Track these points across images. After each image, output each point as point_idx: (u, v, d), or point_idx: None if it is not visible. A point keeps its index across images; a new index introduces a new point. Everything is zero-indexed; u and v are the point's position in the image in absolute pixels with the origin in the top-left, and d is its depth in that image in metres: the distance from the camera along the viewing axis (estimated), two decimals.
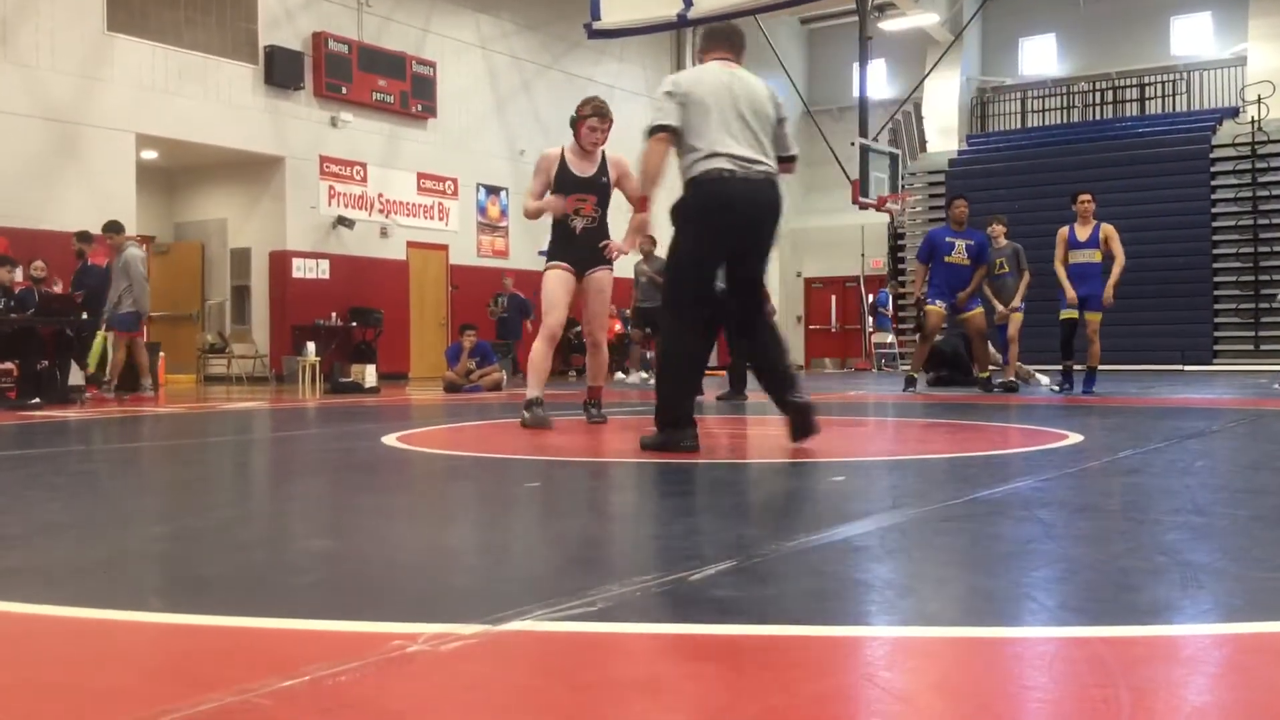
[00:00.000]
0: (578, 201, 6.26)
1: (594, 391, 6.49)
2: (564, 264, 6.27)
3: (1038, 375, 11.99)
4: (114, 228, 11.96)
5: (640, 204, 5.26)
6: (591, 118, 6.23)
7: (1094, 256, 9.83)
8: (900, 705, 1.46)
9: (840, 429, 6.38)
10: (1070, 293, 9.76)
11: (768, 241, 4.92)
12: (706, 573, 2.20)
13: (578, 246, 6.28)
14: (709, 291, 4.90)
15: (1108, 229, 9.78)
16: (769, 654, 1.72)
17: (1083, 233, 9.85)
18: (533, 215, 6.39)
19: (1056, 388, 10.23)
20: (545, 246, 21.70)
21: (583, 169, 6.28)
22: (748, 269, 4.94)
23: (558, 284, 6.21)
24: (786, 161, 4.97)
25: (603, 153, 6.38)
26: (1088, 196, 9.87)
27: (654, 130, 4.77)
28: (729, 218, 4.74)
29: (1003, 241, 11.11)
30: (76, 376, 10.90)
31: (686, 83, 4.86)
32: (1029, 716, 1.42)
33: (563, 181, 6.26)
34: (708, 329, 5.03)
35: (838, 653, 1.74)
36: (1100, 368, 9.94)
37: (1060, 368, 10.34)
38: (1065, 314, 9.89)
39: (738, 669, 1.63)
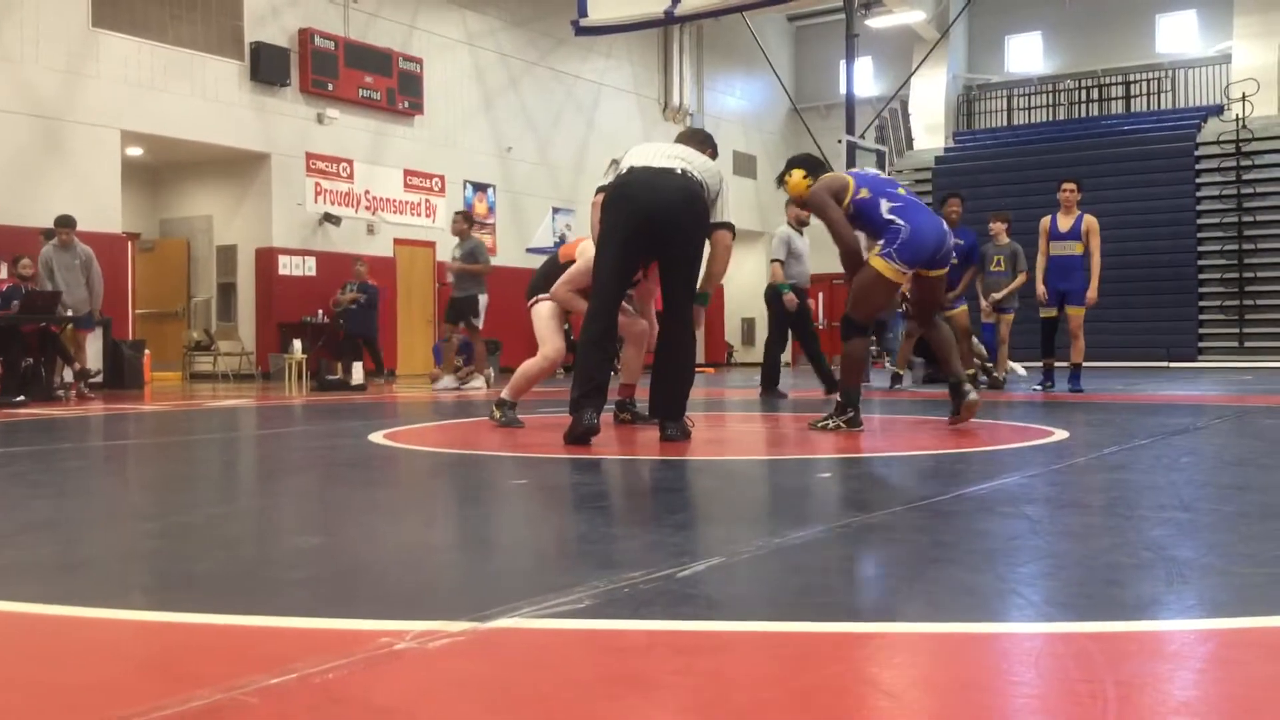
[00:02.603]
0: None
1: (625, 390, 6.41)
2: (546, 296, 6.15)
3: (1016, 367, 12.00)
4: (65, 222, 11.74)
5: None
6: None
7: (1075, 249, 9.47)
8: (887, 700, 1.46)
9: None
10: (1040, 290, 9.50)
11: (682, 232, 5.12)
12: (694, 569, 2.20)
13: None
14: (614, 289, 5.22)
15: (1090, 221, 9.48)
16: (756, 649, 1.72)
17: (1064, 223, 9.54)
18: (575, 310, 6.33)
19: (1038, 386, 10.07)
20: (533, 244, 21.50)
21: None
22: (671, 265, 5.19)
23: (551, 315, 6.11)
24: (722, 230, 5.36)
25: None
26: (1071, 185, 9.54)
27: (596, 192, 5.59)
28: (628, 205, 5.10)
29: (1004, 240, 11.00)
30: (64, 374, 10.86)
31: (624, 157, 5.41)
32: (1015, 711, 1.42)
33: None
34: (612, 316, 5.31)
35: (825, 648, 1.74)
36: (1086, 364, 9.81)
37: (1041, 365, 10.20)
38: (1045, 312, 9.68)
39: (725, 665, 1.63)
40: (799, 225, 9.74)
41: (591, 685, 1.53)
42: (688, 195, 5.12)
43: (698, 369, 7.19)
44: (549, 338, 6.02)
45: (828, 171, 6.02)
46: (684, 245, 5.15)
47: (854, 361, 5.72)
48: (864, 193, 5.66)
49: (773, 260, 9.81)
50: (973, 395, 5.74)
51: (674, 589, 2.06)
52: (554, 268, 6.17)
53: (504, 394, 6.21)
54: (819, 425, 5.65)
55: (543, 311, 6.10)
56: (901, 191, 5.74)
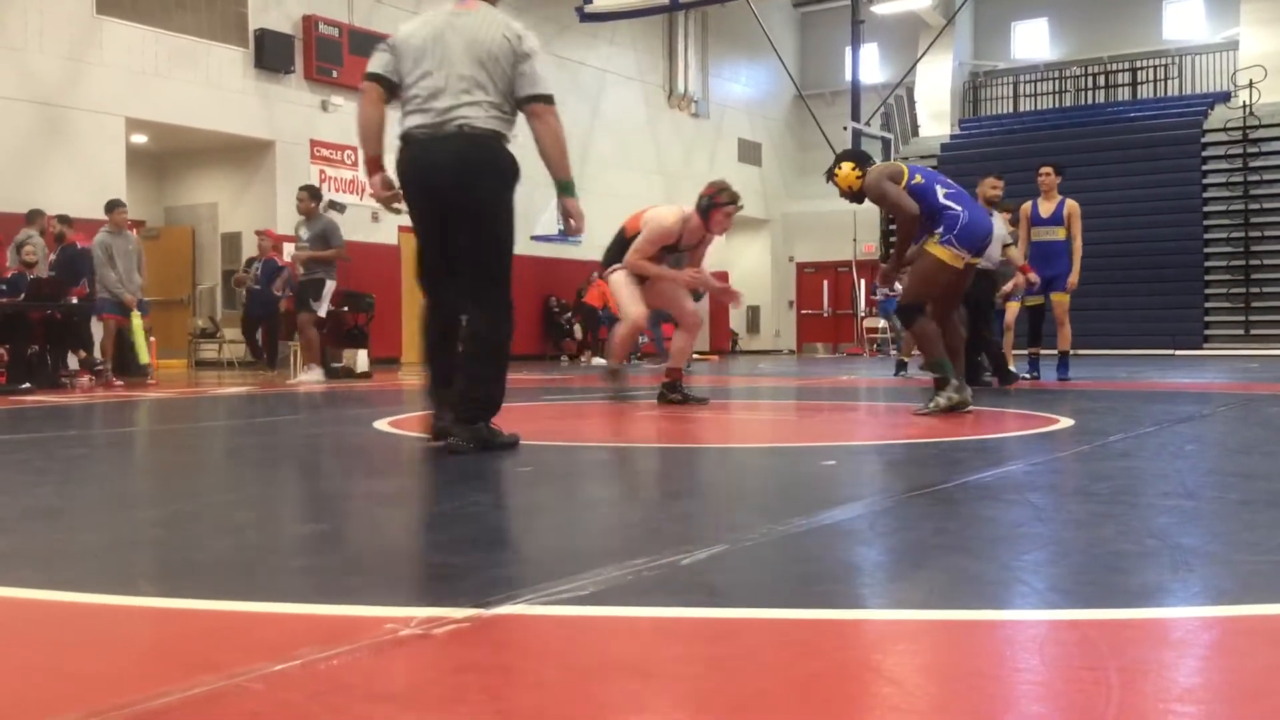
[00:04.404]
0: (664, 254, 6.64)
1: (673, 373, 6.69)
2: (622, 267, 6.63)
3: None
4: (118, 204, 11.98)
5: (370, 164, 4.45)
6: (729, 205, 6.46)
7: (1056, 234, 9.32)
8: (891, 687, 1.46)
9: (832, 414, 6.38)
10: (1032, 276, 9.22)
11: (466, 210, 4.16)
12: (698, 556, 2.20)
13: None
14: (437, 269, 4.35)
15: (1072, 206, 9.30)
16: (760, 637, 1.72)
17: (1045, 208, 9.37)
18: (650, 275, 6.63)
19: (1025, 376, 9.98)
20: (538, 232, 21.52)
21: (692, 241, 6.59)
22: (460, 249, 4.23)
23: (625, 283, 6.59)
24: (533, 103, 4.18)
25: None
26: (1048, 169, 9.40)
27: (364, 79, 4.34)
28: (410, 185, 4.26)
29: (1007, 229, 10.94)
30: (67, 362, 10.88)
31: (403, 31, 4.33)
32: (1019, 698, 1.42)
33: (669, 250, 6.62)
34: (440, 314, 4.43)
35: (829, 635, 1.74)
36: (1091, 352, 9.73)
37: (1027, 354, 10.11)
38: (1030, 300, 9.54)
39: (729, 652, 1.63)
40: (989, 206, 9.39)
41: (594, 672, 1.53)
42: (475, 165, 4.14)
43: (698, 357, 7.19)
44: (627, 304, 6.55)
45: (874, 164, 6.12)
46: (474, 226, 4.18)
47: (928, 338, 5.77)
48: (919, 179, 5.78)
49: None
50: (946, 399, 5.69)
51: (677, 576, 2.06)
52: (621, 240, 6.66)
53: (609, 364, 6.80)
54: (924, 410, 5.67)
55: (618, 280, 6.60)
56: (953, 184, 5.85)
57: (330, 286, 11.37)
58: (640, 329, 6.74)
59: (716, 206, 6.40)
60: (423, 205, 4.25)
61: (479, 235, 4.19)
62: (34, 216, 11.99)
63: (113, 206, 11.93)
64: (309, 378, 11.02)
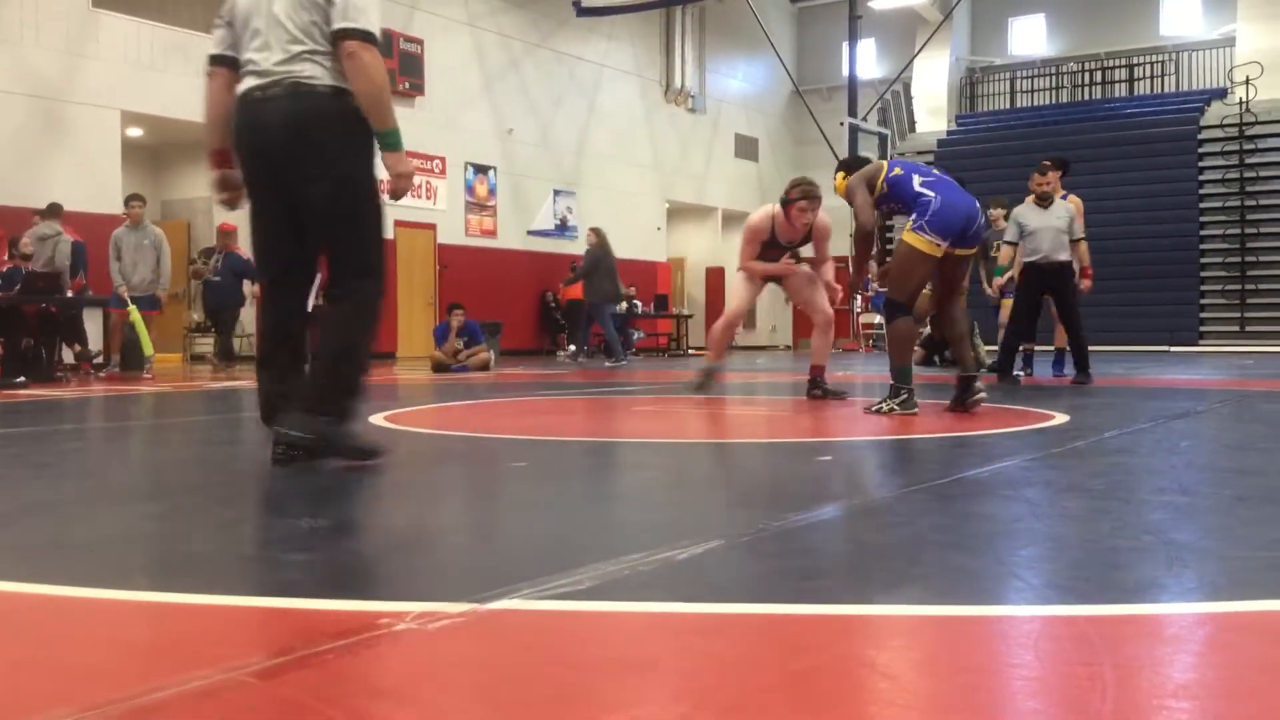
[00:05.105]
0: (789, 259, 6.94)
1: (816, 370, 6.92)
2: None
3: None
4: (137, 198, 11.99)
5: (212, 158, 3.88)
6: (801, 200, 6.60)
7: None
8: (887, 683, 1.46)
9: (827, 409, 6.38)
10: (1016, 274, 9.15)
11: (306, 179, 3.59)
12: (694, 551, 2.20)
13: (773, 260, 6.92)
14: (277, 252, 3.80)
15: (1075, 201, 9.20)
16: (756, 632, 1.72)
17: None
18: (756, 273, 6.95)
19: (1019, 373, 9.95)
20: (535, 226, 21.48)
21: (789, 236, 6.78)
22: (306, 226, 3.69)
23: (743, 281, 6.94)
24: (344, 39, 3.54)
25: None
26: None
27: (208, 63, 3.83)
28: (241, 154, 3.71)
29: (1004, 225, 10.89)
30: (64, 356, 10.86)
31: (229, 3, 3.79)
32: (1015, 694, 1.42)
33: (770, 246, 6.83)
34: (283, 299, 3.88)
35: (825, 631, 1.75)
36: (1088, 349, 9.72)
37: (1021, 350, 10.09)
38: None
39: (726, 647, 1.63)
40: (1040, 200, 9.00)
41: (591, 667, 1.54)
42: (306, 121, 3.57)
43: (695, 352, 7.19)
44: (728, 300, 7.07)
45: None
46: (318, 197, 3.61)
47: (900, 341, 5.75)
48: (897, 171, 5.81)
49: (1006, 242, 9.38)
50: (981, 395, 5.68)
51: (673, 571, 2.06)
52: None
53: (706, 362, 7.02)
54: (874, 409, 5.65)
55: (735, 279, 7.08)
56: (936, 173, 5.84)
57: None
58: (733, 324, 6.96)
59: (790, 202, 6.60)
60: (256, 176, 3.69)
61: (325, 209, 3.62)
62: (55, 209, 11.79)
63: (126, 201, 11.93)
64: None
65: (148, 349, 11.44)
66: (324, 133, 3.57)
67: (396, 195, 3.71)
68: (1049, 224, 8.71)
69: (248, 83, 3.61)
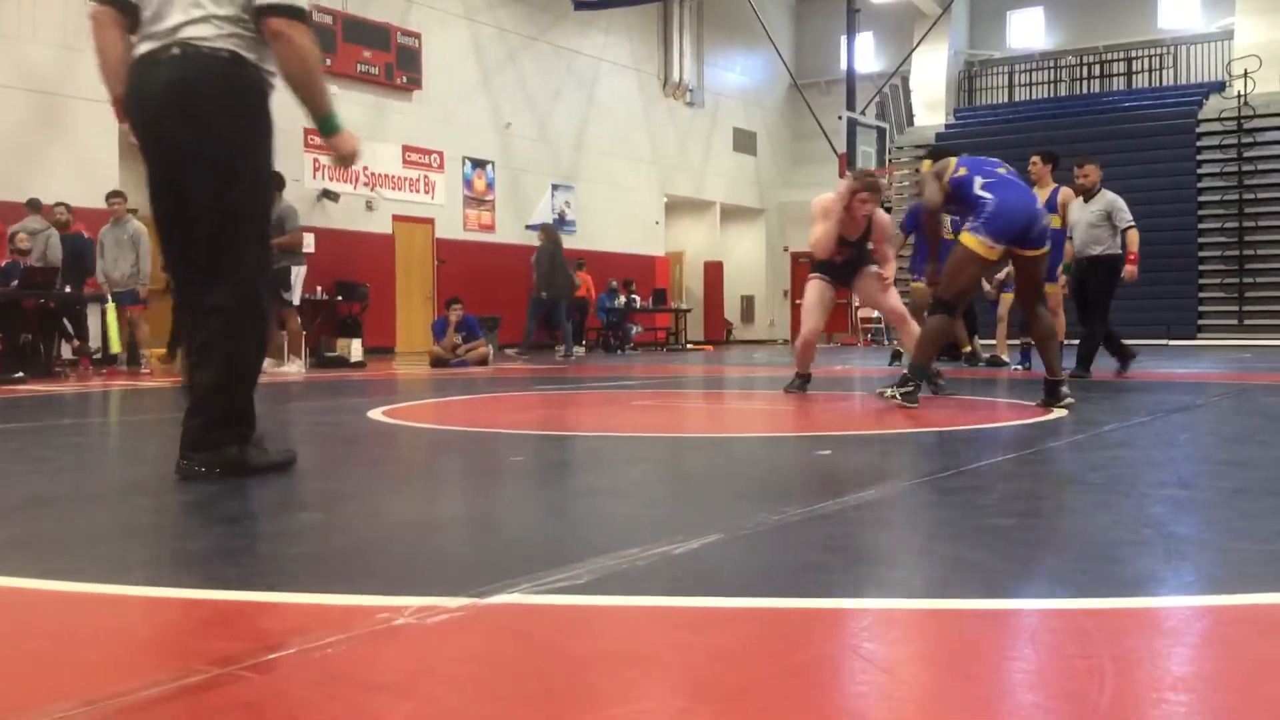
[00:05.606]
0: (843, 249, 6.73)
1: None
2: (824, 275, 6.80)
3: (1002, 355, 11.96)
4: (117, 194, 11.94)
5: (116, 106, 3.47)
6: (863, 191, 6.53)
7: (1052, 222, 8.74)
8: (885, 675, 1.46)
9: (827, 403, 6.39)
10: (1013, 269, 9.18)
11: (188, 153, 3.21)
12: (692, 545, 2.20)
13: (838, 267, 6.79)
14: (172, 238, 3.40)
15: (1067, 194, 9.11)
16: (755, 625, 1.72)
17: (1039, 196, 9.30)
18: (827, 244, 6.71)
19: (1017, 366, 9.96)
20: (533, 220, 21.45)
21: (850, 230, 6.65)
22: (192, 208, 3.25)
23: (817, 294, 6.80)
24: (269, 16, 3.21)
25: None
26: (1035, 159, 9.32)
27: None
28: (130, 122, 3.34)
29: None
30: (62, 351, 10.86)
31: None
32: (1013, 687, 1.42)
33: (844, 244, 6.67)
34: (187, 301, 3.41)
35: (823, 624, 1.75)
36: (1097, 348, 9.66)
37: (1019, 344, 10.11)
38: None
39: (724, 641, 1.63)
40: (1082, 194, 9.01)
41: (589, 661, 1.54)
42: (194, 90, 3.20)
43: (693, 346, 7.15)
44: (803, 317, 6.85)
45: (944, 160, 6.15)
46: (202, 175, 3.22)
47: (929, 338, 5.78)
48: (962, 171, 5.76)
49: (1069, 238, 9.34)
50: (1068, 400, 5.59)
51: (672, 566, 2.06)
52: None
53: (798, 368, 6.93)
54: (879, 392, 5.72)
55: (806, 290, 6.87)
56: (1002, 171, 5.78)
57: (299, 273, 10.87)
58: (809, 342, 6.89)
59: (853, 194, 6.56)
60: (143, 148, 3.31)
61: (209, 189, 3.20)
62: (35, 205, 11.87)
63: (107, 198, 11.92)
64: (290, 369, 10.93)
65: (114, 345, 11.45)
66: (207, 100, 3.18)
67: (346, 166, 3.54)
68: (1082, 218, 8.72)
69: (142, 46, 3.28)
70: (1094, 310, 8.70)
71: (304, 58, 3.23)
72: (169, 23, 3.20)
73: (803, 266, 27.18)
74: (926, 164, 6.24)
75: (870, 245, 6.73)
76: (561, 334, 15.53)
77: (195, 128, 3.18)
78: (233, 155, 3.23)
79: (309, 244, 16.96)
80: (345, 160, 3.42)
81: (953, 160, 5.93)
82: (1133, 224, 8.66)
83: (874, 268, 6.80)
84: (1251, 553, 2.22)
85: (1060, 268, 9.10)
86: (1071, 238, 8.92)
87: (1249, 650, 1.59)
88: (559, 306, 15.22)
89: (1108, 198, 8.72)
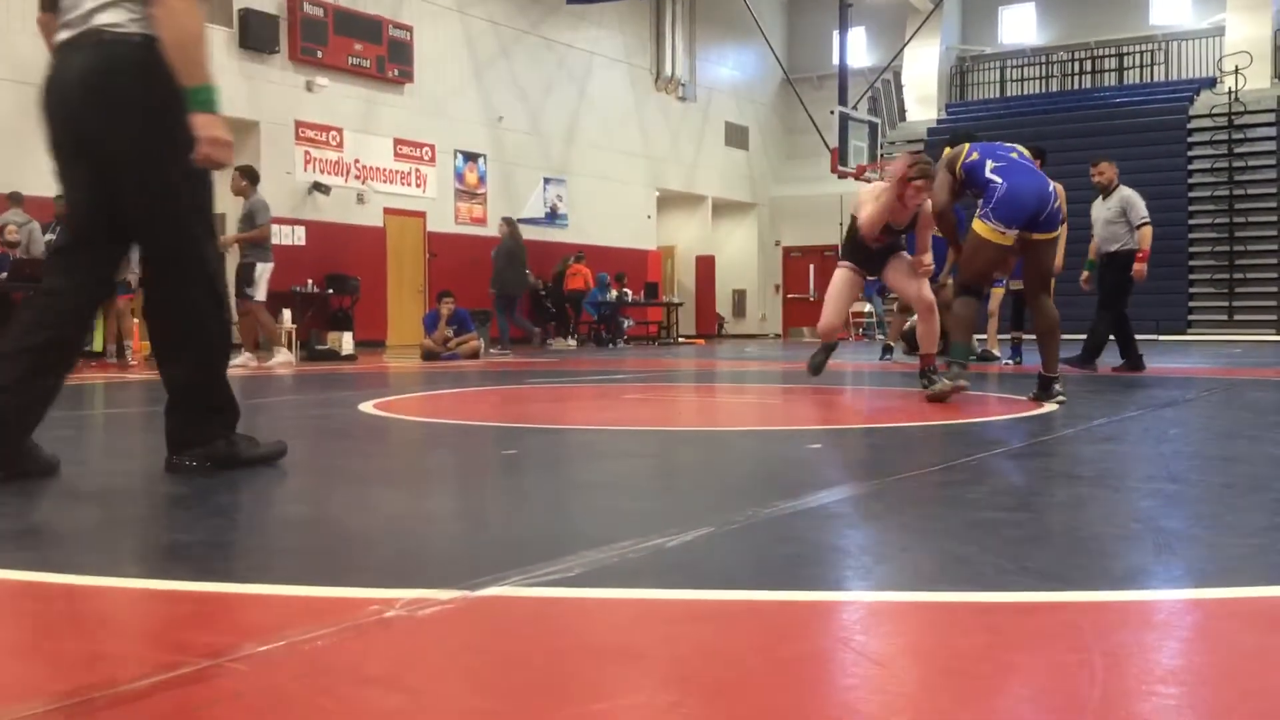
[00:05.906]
0: (885, 235, 6.59)
1: (926, 359, 6.56)
2: (851, 264, 6.71)
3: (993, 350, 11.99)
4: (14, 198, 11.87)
5: None
6: (918, 179, 6.25)
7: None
8: (875, 669, 1.47)
9: (817, 397, 6.40)
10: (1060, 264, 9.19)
11: (104, 146, 3.10)
12: (683, 539, 2.20)
13: (871, 254, 6.68)
14: (84, 233, 3.22)
15: (1056, 189, 9.21)
16: (745, 619, 1.72)
17: None
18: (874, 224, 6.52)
19: (1008, 361, 9.97)
20: (524, 214, 21.53)
21: (898, 218, 6.46)
22: (127, 207, 3.15)
23: (842, 283, 6.73)
24: None
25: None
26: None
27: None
28: (50, 117, 3.21)
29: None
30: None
31: None
32: (1002, 681, 1.43)
33: (888, 233, 6.58)
34: (61, 302, 3.24)
35: (814, 617, 1.75)
36: (1076, 337, 9.70)
37: (1010, 338, 10.14)
38: (1014, 284, 9.31)
39: (715, 634, 1.63)
40: (1102, 192, 8.96)
41: (580, 654, 1.54)
42: (97, 77, 3.10)
43: (685, 340, 7.14)
44: (828, 303, 6.78)
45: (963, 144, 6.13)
46: (123, 169, 3.12)
47: (961, 320, 5.76)
48: (973, 156, 5.76)
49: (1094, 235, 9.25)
50: (1061, 397, 5.55)
51: (663, 559, 2.06)
52: (854, 229, 6.65)
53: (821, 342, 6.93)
54: (932, 392, 5.70)
55: (832, 281, 6.80)
56: (1014, 155, 5.77)
57: (263, 269, 10.54)
58: (828, 339, 6.92)
59: (907, 180, 6.34)
60: (55, 142, 3.20)
61: (134, 183, 3.12)
62: (16, 198, 11.90)
63: None
64: (280, 359, 10.91)
65: (97, 344, 11.45)
66: (123, 88, 3.08)
67: (209, 162, 3.08)
68: (1100, 215, 8.74)
69: (59, 36, 3.16)
70: (1105, 304, 8.71)
71: (183, 24, 3.07)
72: (81, 9, 3.11)
73: (794, 261, 27.26)
74: (947, 150, 6.20)
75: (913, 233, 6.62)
76: (499, 327, 15.62)
77: (108, 116, 3.08)
78: (151, 143, 3.10)
79: (300, 237, 16.99)
80: (211, 145, 3.04)
81: (966, 145, 5.92)
82: (1146, 220, 8.65)
83: (907, 255, 6.70)
84: (1241, 547, 2.23)
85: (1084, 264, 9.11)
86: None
87: (1238, 643, 1.60)
88: (511, 302, 15.40)
89: (1124, 194, 8.72)
